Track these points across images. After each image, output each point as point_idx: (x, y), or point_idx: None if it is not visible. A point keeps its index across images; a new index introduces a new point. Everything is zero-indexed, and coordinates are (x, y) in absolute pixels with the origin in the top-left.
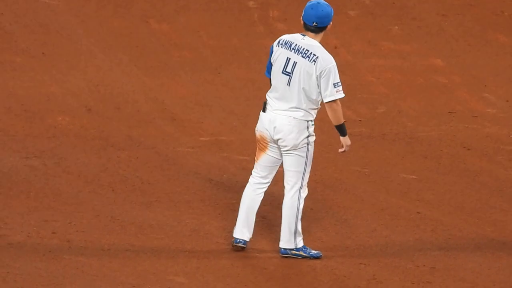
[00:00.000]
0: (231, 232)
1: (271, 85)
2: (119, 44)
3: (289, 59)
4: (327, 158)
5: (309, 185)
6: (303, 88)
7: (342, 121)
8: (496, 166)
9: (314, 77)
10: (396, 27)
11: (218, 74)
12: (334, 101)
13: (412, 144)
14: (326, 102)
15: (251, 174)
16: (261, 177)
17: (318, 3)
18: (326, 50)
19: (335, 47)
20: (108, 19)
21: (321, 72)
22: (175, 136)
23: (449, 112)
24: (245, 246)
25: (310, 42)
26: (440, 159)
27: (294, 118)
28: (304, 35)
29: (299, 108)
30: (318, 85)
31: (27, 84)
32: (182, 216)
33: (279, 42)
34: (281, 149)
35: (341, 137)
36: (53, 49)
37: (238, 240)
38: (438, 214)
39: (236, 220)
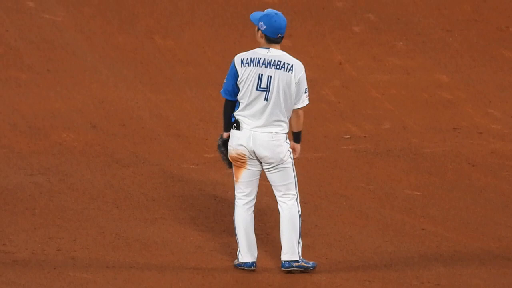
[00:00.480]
0: (235, 250)
1: (235, 104)
2: (124, 60)
3: (262, 75)
4: (332, 175)
5: (313, 201)
6: (283, 99)
7: (302, 127)
8: (501, 182)
9: (293, 85)
10: (401, 43)
11: None
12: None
13: (417, 160)
14: (296, 109)
15: (235, 197)
16: (247, 195)
17: (276, 14)
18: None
19: (340, 63)
20: (113, 35)
21: (298, 79)
22: (179, 152)
23: (454, 128)
24: (255, 266)
25: (277, 53)
26: (445, 175)
27: (276, 133)
28: (268, 48)
29: (280, 121)
30: (295, 92)
31: (32, 100)
32: (186, 233)
33: (242, 62)
34: (266, 167)
35: (296, 144)
36: (58, 66)
37: (249, 264)
38: (443, 230)
39: (238, 245)
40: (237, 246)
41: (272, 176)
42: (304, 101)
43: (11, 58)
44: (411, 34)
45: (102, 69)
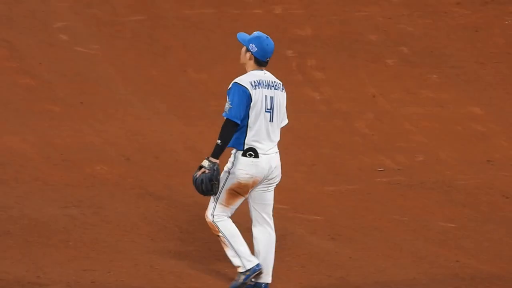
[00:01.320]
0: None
1: (245, 129)
2: (157, 93)
3: (266, 96)
4: (366, 207)
5: (347, 233)
6: (280, 118)
7: None
8: None
9: (284, 104)
10: (434, 76)
11: None
12: None
13: (450, 192)
14: (283, 126)
15: (213, 217)
16: (229, 216)
17: (267, 38)
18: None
19: (373, 96)
20: (146, 68)
21: (285, 97)
22: None
23: (487, 160)
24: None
25: (270, 74)
26: (478, 207)
27: (278, 152)
28: (262, 70)
29: (277, 139)
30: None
31: (66, 133)
32: (220, 265)
33: (252, 85)
34: (266, 187)
35: None
36: (91, 98)
37: (255, 268)
38: (477, 263)
39: (239, 258)
40: (240, 264)
41: (267, 195)
42: (286, 117)
43: (45, 91)
44: (444, 67)
45: (135, 102)
